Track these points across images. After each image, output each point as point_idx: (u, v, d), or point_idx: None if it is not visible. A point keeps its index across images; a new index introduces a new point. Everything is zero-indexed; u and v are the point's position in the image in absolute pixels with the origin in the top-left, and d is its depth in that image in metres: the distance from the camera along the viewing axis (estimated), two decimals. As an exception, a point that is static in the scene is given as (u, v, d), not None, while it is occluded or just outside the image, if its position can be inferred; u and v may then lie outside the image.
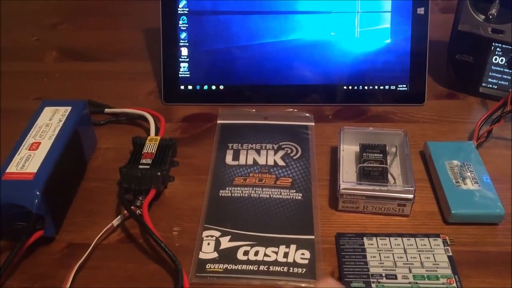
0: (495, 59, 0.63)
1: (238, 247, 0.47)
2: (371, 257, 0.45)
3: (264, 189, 0.53)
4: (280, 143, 0.59)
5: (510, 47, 0.62)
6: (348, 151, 0.56)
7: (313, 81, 0.66)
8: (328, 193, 0.53)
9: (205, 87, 0.66)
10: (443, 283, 0.43)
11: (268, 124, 0.62)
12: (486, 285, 0.44)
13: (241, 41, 0.65)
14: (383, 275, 0.44)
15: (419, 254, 0.45)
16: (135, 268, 0.46)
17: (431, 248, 0.46)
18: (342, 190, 0.50)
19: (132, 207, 0.49)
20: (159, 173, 0.51)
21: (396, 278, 0.43)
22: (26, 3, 0.91)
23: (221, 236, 0.48)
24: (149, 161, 0.53)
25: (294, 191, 0.53)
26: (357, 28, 0.64)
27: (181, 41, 0.65)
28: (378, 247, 0.46)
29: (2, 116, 0.64)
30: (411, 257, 0.45)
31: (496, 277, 0.45)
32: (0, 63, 0.74)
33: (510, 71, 0.63)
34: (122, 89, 0.69)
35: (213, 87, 0.66)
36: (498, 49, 0.62)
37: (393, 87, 0.65)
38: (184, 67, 0.66)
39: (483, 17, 0.62)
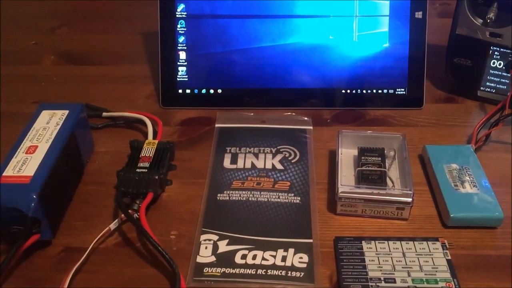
0: (493, 63, 0.63)
1: (236, 251, 0.47)
2: (369, 260, 0.45)
3: (262, 192, 0.53)
4: (278, 147, 0.59)
5: (508, 51, 0.62)
6: (347, 154, 0.56)
7: (312, 85, 0.66)
8: (327, 196, 0.53)
9: (203, 90, 0.66)
10: (442, 287, 0.43)
11: (266, 128, 0.62)
12: (485, 288, 0.44)
13: (239, 45, 0.65)
14: (382, 279, 0.43)
15: (418, 258, 0.45)
16: (132, 272, 0.46)
17: (430, 251, 0.46)
18: (341, 194, 0.50)
19: (129, 210, 0.49)
20: (156, 177, 0.51)
21: (394, 282, 0.43)
22: (25, 7, 0.91)
23: (219, 240, 0.48)
24: (146, 164, 0.52)
25: (292, 194, 0.53)
26: (355, 32, 0.64)
27: (179, 45, 0.65)
28: (376, 251, 0.46)
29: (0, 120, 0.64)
30: (410, 261, 0.45)
31: (495, 280, 0.45)
32: (-2, 67, 0.75)
33: (508, 74, 0.63)
34: (120, 93, 0.69)
35: (211, 91, 0.66)
36: (496, 53, 0.62)
37: (391, 91, 0.65)
38: (182, 71, 0.66)
39: (481, 21, 0.62)
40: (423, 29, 0.64)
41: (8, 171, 0.47)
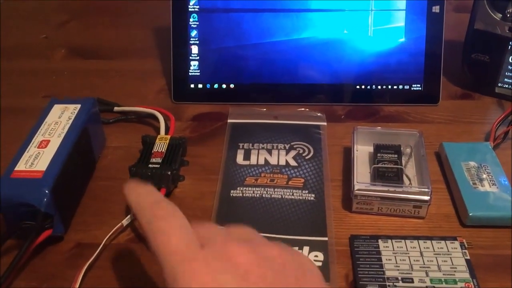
0: (512, 59, 0.62)
1: (250, 248, 0.46)
2: (386, 260, 0.44)
3: (276, 189, 0.52)
4: (292, 143, 0.58)
5: (527, 47, 0.60)
6: (362, 151, 0.55)
7: (325, 80, 0.65)
8: (341, 194, 0.52)
9: (216, 85, 0.65)
10: (461, 287, 0.42)
11: (279, 123, 0.61)
12: (505, 289, 0.43)
13: (252, 39, 0.64)
14: (399, 278, 0.43)
15: (436, 258, 0.44)
16: (145, 269, 0.45)
17: (448, 251, 0.45)
18: (356, 191, 0.49)
19: (142, 206, 0.48)
20: (169, 172, 0.50)
21: (412, 282, 0.42)
22: (34, 1, 0.91)
23: (232, 237, 0.47)
24: (159, 160, 0.52)
25: (307, 191, 0.52)
26: (370, 27, 0.63)
27: (191, 39, 0.65)
28: (393, 250, 0.45)
29: (10, 114, 0.64)
30: (427, 260, 0.44)
31: (515, 281, 0.44)
32: (4, 61, 0.74)
33: (528, 71, 0.61)
34: (132, 88, 0.69)
35: (224, 86, 0.65)
36: (515, 48, 0.61)
37: (407, 87, 0.64)
38: (194, 66, 0.65)
39: (500, 15, 0.60)
40: (440, 24, 0.62)
41: (20, 166, 0.46)
